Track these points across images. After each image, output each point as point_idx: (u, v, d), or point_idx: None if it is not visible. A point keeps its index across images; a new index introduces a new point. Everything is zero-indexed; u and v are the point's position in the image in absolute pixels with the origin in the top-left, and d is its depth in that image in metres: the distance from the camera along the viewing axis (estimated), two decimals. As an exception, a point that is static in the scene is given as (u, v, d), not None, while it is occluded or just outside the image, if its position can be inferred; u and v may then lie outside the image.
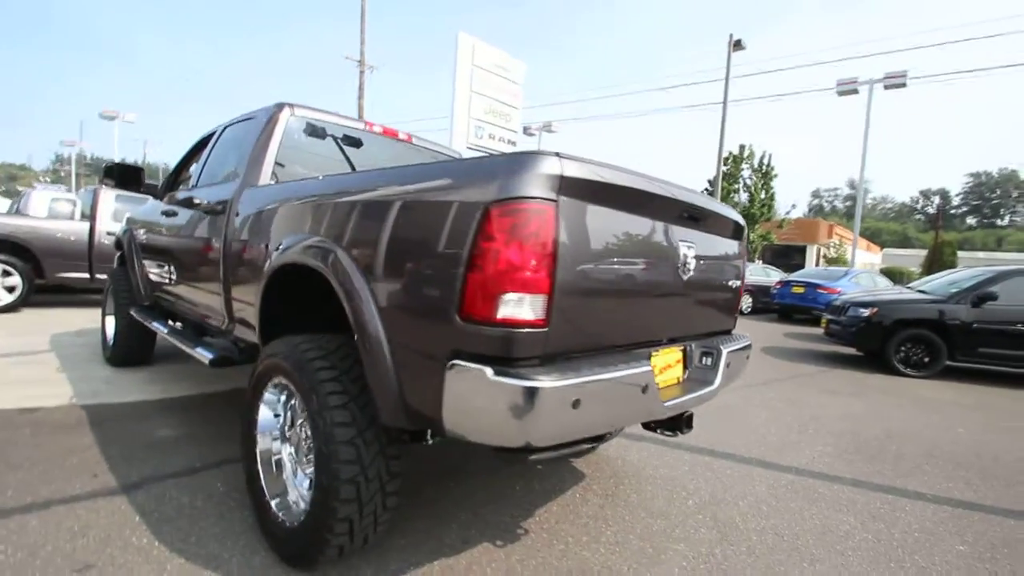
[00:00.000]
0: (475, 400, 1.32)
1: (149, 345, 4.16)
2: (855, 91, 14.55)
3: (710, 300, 2.16)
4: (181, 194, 3.18)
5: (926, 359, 6.39)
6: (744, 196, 31.31)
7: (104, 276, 6.71)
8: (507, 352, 1.31)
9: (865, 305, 6.84)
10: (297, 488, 1.94)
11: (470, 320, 1.32)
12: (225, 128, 3.20)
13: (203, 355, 2.60)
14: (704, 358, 2.07)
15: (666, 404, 1.72)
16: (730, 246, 2.29)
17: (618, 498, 2.57)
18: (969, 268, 7.67)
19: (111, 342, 4.09)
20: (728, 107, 17.60)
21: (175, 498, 2.24)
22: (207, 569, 1.78)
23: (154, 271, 3.63)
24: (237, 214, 2.49)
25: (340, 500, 1.59)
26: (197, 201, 2.86)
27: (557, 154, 1.33)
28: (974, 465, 3.42)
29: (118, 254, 4.55)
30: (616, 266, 1.55)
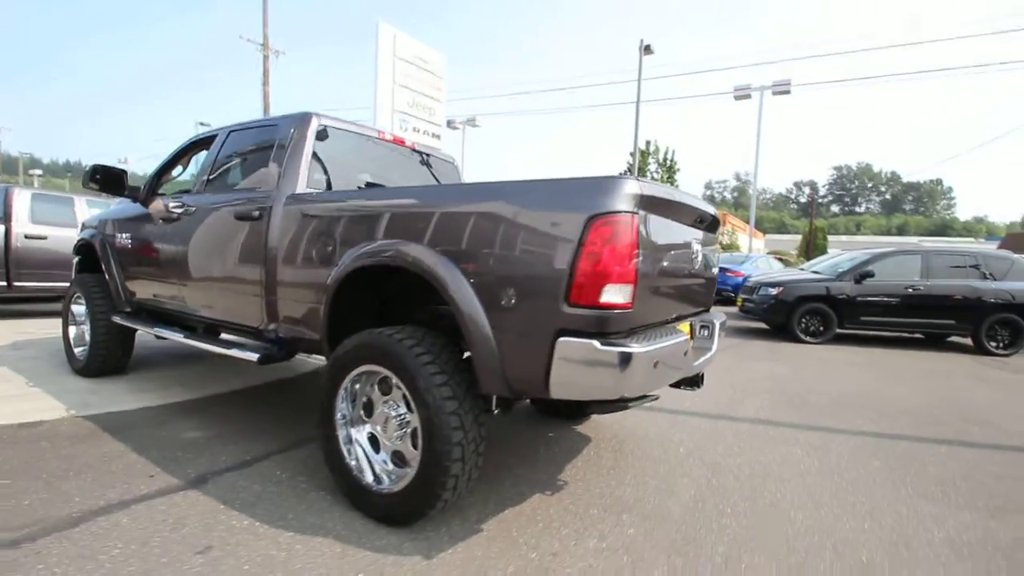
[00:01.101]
0: (581, 365, 1.72)
1: (128, 353, 4.03)
2: (748, 96, 16.48)
3: (703, 284, 2.71)
4: (189, 199, 3.20)
5: (821, 328, 7.66)
6: (652, 188, 33.53)
7: (26, 284, 6.16)
8: (605, 328, 1.72)
9: (773, 285, 8.02)
10: (380, 462, 2.22)
11: (576, 306, 1.72)
12: (230, 133, 3.25)
13: (248, 355, 2.73)
14: (703, 330, 2.61)
15: (693, 365, 2.22)
16: (712, 240, 2.85)
17: (625, 452, 3.08)
18: (849, 251, 9.18)
19: (85, 352, 3.91)
20: (633, 106, 18.96)
21: (245, 487, 2.40)
22: (317, 536, 2.02)
23: (146, 276, 3.56)
24: (280, 220, 2.65)
25: (451, 460, 1.92)
26: (220, 207, 2.94)
27: (637, 178, 1.76)
28: (873, 407, 4.37)
29: (76, 259, 4.31)
30: (663, 260, 2.02)
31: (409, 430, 2.13)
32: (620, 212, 1.71)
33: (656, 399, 2.08)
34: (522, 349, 1.85)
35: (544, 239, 1.79)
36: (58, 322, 6.42)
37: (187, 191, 3.74)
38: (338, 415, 2.28)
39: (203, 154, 3.74)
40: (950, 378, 5.81)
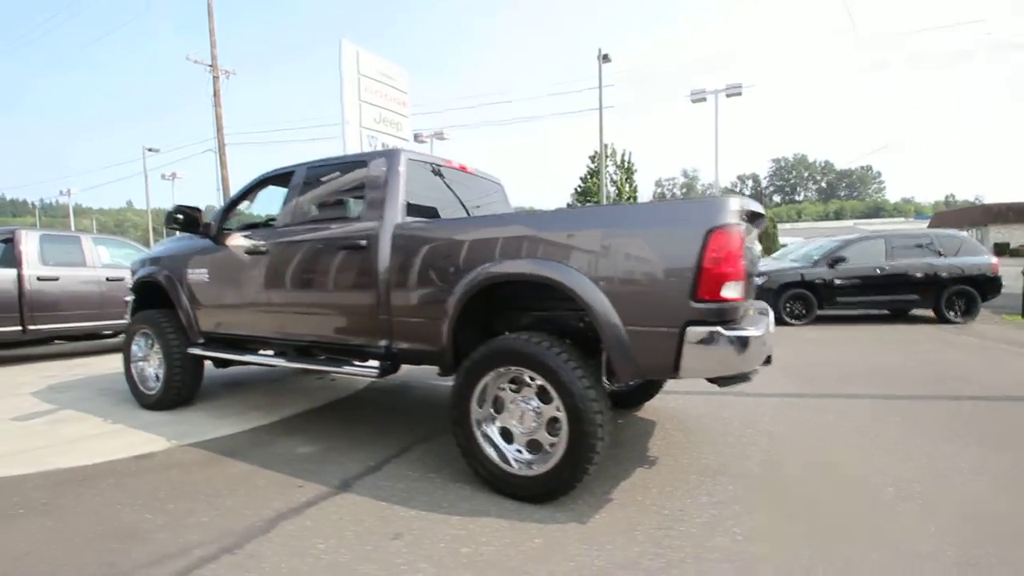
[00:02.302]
0: (709, 349, 2.15)
1: (199, 383, 4.18)
2: (704, 99, 17.60)
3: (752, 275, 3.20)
4: (278, 233, 3.44)
5: (804, 311, 8.43)
6: (612, 190, 34.68)
7: (41, 327, 6.11)
8: (726, 318, 2.16)
9: (760, 275, 8.74)
10: (514, 451, 2.57)
11: (702, 301, 2.14)
12: (309, 169, 3.51)
13: (367, 372, 3.02)
14: (761, 315, 3.09)
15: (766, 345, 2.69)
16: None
17: (689, 431, 3.52)
18: (815, 240, 10.07)
19: (158, 387, 4.04)
20: (589, 112, 19.78)
21: (389, 486, 2.69)
22: (482, 517, 2.35)
23: (227, 308, 3.75)
24: (389, 247, 2.96)
25: (597, 438, 2.30)
26: (318, 238, 3.22)
27: (740, 196, 2.20)
28: (872, 376, 5.01)
29: (131, 299, 4.42)
30: (749, 259, 2.47)
31: (543, 420, 2.49)
32: (731, 224, 2.15)
33: (756, 374, 2.50)
34: (653, 340, 2.25)
35: (669, 249, 2.20)
36: (81, 362, 6.43)
37: (259, 225, 3.97)
38: (473, 415, 2.61)
39: (271, 189, 3.99)
40: (922, 345, 6.60)
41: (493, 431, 2.63)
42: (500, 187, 4.26)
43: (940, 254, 8.27)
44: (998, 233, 36.06)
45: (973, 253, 8.31)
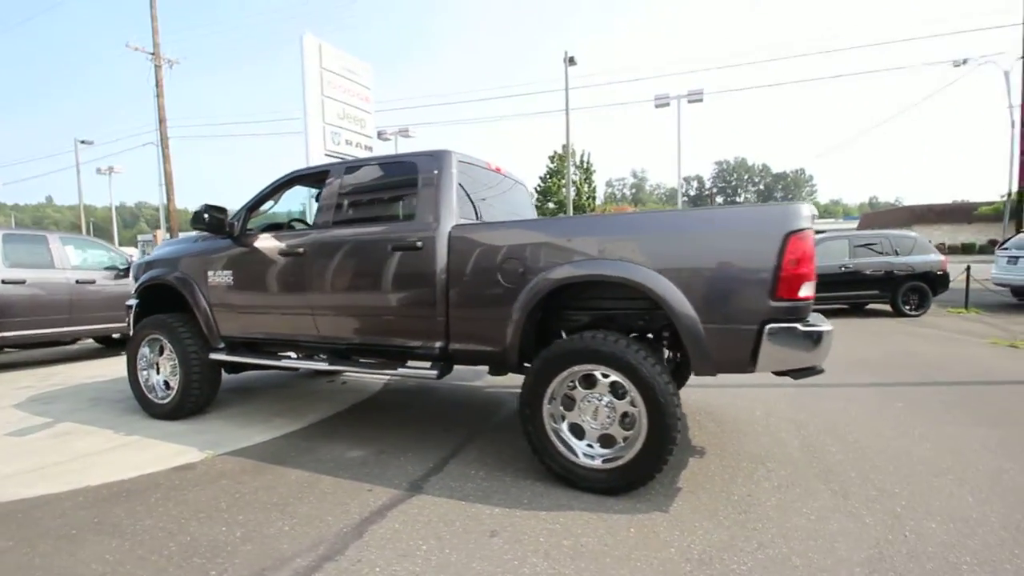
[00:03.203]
0: (786, 345, 2.30)
1: (216, 390, 3.99)
2: (667, 104, 18.26)
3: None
4: (319, 234, 3.35)
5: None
6: (572, 190, 35.27)
7: (7, 334, 5.65)
8: (801, 316, 2.32)
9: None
10: (584, 446, 2.64)
11: (780, 300, 2.30)
12: (350, 170, 3.44)
13: (425, 373, 3.01)
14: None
15: None
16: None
17: (721, 421, 3.72)
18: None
19: (172, 395, 3.83)
20: (551, 114, 20.11)
21: (459, 487, 2.70)
22: (566, 511, 2.41)
23: (256, 311, 3.61)
24: (446, 248, 2.96)
25: (676, 431, 2.42)
26: (366, 239, 3.17)
27: (809, 204, 2.37)
28: (864, 366, 5.41)
29: (134, 303, 4.16)
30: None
31: (617, 415, 2.59)
32: (805, 228, 2.31)
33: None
34: (731, 337, 2.39)
35: (749, 252, 2.35)
36: (53, 371, 5.98)
37: (281, 226, 3.85)
38: (546, 412, 2.67)
39: (298, 189, 3.87)
40: (892, 337, 7.17)
41: (564, 428, 2.69)
42: (525, 188, 4.31)
43: (896, 253, 9.00)
44: (920, 233, 39.30)
45: (925, 252, 9.10)
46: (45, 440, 3.56)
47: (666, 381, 2.43)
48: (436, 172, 3.13)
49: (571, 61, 19.19)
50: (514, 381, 3.61)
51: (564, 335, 2.98)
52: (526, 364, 2.90)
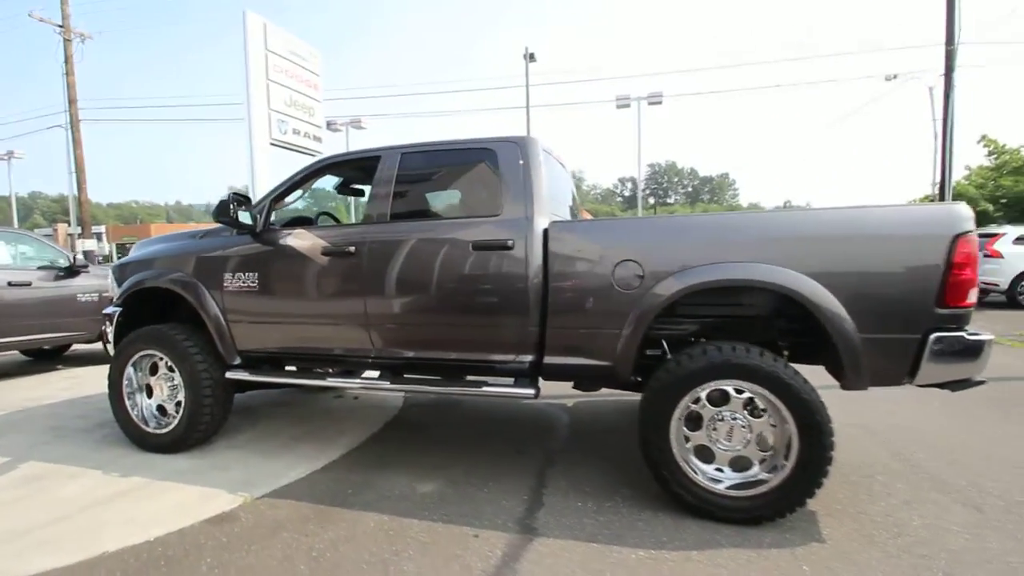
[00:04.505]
0: (950, 355, 2.15)
1: (227, 415, 3.36)
2: (628, 105, 18.50)
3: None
4: (374, 230, 2.86)
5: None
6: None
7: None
8: (964, 324, 2.18)
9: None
10: (712, 471, 2.38)
11: (946, 307, 2.14)
12: (408, 157, 2.96)
13: (524, 392, 2.61)
14: None
15: None
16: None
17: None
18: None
19: (177, 422, 3.17)
20: (510, 111, 19.89)
21: (574, 524, 2.35)
22: (719, 547, 2.14)
23: (289, 320, 3.05)
24: (541, 248, 2.59)
25: (831, 451, 2.21)
26: (439, 237, 2.73)
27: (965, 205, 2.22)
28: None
29: (116, 312, 3.42)
30: None
31: (753, 436, 2.34)
32: (971, 231, 2.17)
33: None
34: (891, 347, 2.21)
35: (913, 256, 2.17)
36: None
37: (308, 220, 3.31)
38: (674, 437, 2.38)
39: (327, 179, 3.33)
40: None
41: (689, 451, 2.42)
42: (571, 176, 3.99)
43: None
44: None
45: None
46: (15, 489, 2.82)
47: (817, 397, 2.21)
48: (522, 162, 2.74)
49: (531, 57, 18.98)
50: (555, 391, 3.32)
51: (665, 345, 2.69)
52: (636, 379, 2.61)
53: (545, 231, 2.64)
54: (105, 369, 3.45)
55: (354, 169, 3.36)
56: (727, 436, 2.38)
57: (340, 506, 2.55)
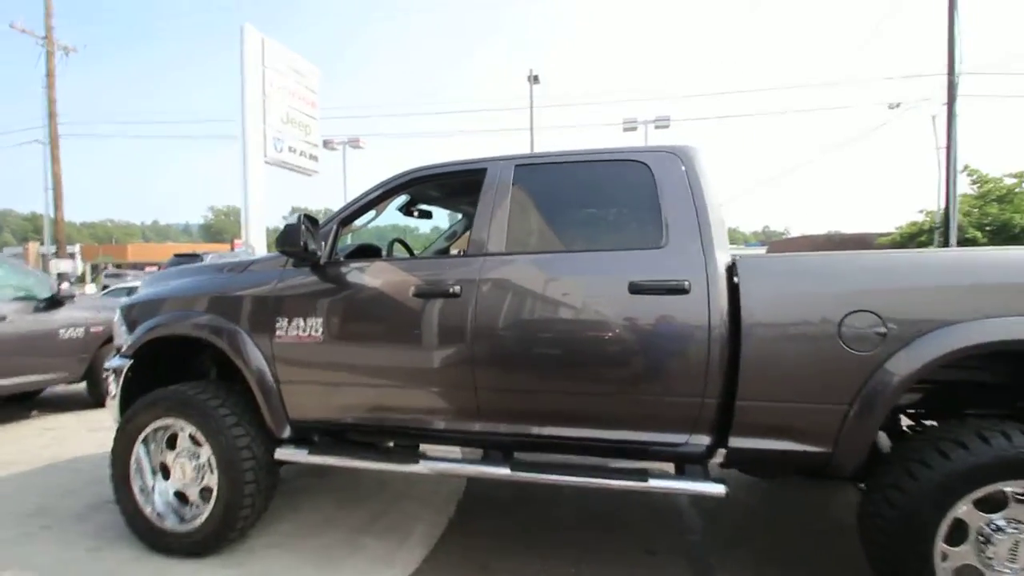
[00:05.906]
0: None
1: (270, 503, 2.58)
2: (635, 128, 18.26)
3: None
4: (491, 264, 2.17)
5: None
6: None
7: None
8: None
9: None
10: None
11: None
12: (526, 170, 2.30)
13: (712, 489, 1.93)
14: None
15: None
16: None
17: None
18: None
19: (208, 515, 2.38)
20: (512, 133, 19.53)
21: None
22: None
23: (365, 382, 2.32)
24: (725, 291, 1.94)
25: None
26: (580, 275, 2.06)
27: None
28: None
29: (124, 367, 2.64)
30: None
31: None
32: None
33: None
34: None
35: None
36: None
37: (371, 251, 2.64)
38: (938, 558, 1.72)
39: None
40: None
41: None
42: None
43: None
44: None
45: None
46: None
47: None
48: (687, 182, 2.11)
49: (535, 79, 18.69)
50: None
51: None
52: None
53: (729, 268, 1.99)
54: (90, 416, 2.69)
55: (448, 184, 2.69)
56: (1010, 555, 1.72)
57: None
